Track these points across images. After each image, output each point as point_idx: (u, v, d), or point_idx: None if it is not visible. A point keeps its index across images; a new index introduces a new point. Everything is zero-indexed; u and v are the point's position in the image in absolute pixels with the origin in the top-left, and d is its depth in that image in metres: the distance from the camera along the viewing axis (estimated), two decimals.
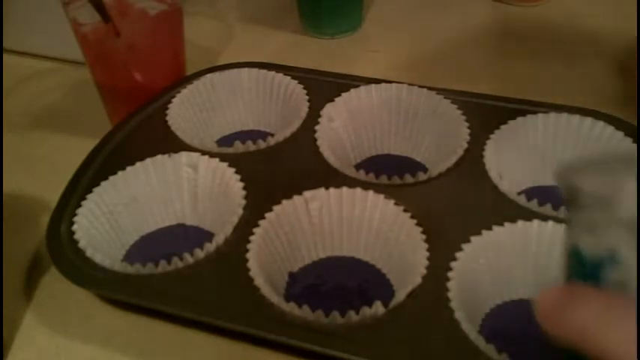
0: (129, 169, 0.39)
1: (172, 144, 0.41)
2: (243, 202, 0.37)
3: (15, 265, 0.39)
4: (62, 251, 0.35)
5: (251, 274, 0.33)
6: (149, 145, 0.40)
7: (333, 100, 0.43)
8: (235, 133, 0.47)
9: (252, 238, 0.34)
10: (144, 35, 0.44)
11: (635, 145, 0.37)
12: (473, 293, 0.33)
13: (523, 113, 0.40)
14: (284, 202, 0.36)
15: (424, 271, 0.32)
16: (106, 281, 0.34)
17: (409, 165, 0.43)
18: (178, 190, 0.40)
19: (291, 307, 0.31)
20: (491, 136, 0.39)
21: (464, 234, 0.33)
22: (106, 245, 0.37)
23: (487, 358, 0.29)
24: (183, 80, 0.46)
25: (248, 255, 0.34)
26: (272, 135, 0.42)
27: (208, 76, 0.46)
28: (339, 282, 0.36)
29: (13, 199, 0.42)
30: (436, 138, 0.42)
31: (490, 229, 0.33)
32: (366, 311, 0.31)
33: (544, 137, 0.40)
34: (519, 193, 0.36)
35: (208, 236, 0.37)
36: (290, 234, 0.36)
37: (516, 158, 0.40)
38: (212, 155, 0.39)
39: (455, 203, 0.36)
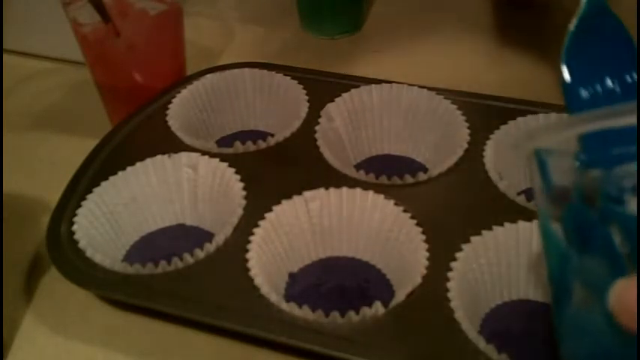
0: (129, 169, 0.39)
1: (172, 144, 0.41)
2: (243, 202, 0.37)
3: (15, 266, 0.39)
4: (62, 251, 0.35)
5: (251, 274, 0.33)
6: (149, 146, 0.40)
7: (333, 100, 0.43)
8: (235, 133, 0.47)
9: (252, 238, 0.34)
10: (144, 35, 0.44)
11: None
12: (473, 293, 0.33)
13: (523, 113, 0.40)
14: (284, 202, 0.36)
15: (424, 271, 0.32)
16: (106, 281, 0.34)
17: (409, 165, 0.43)
18: (178, 190, 0.40)
19: (291, 307, 0.31)
20: (491, 136, 0.39)
21: (464, 234, 0.33)
22: (106, 245, 0.37)
23: (487, 358, 0.28)
24: (184, 80, 0.46)
25: (248, 255, 0.34)
26: (272, 135, 0.42)
27: (208, 76, 0.46)
28: (339, 282, 0.36)
29: (13, 199, 0.42)
30: (436, 138, 0.42)
31: (490, 229, 0.33)
32: (366, 311, 0.31)
33: None
34: (519, 193, 0.36)
35: (208, 236, 0.37)
36: (290, 234, 0.36)
37: (516, 158, 0.40)
38: (212, 155, 0.39)
39: (455, 203, 0.36)
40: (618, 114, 0.19)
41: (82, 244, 0.35)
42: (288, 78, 0.45)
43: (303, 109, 0.43)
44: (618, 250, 0.20)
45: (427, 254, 0.33)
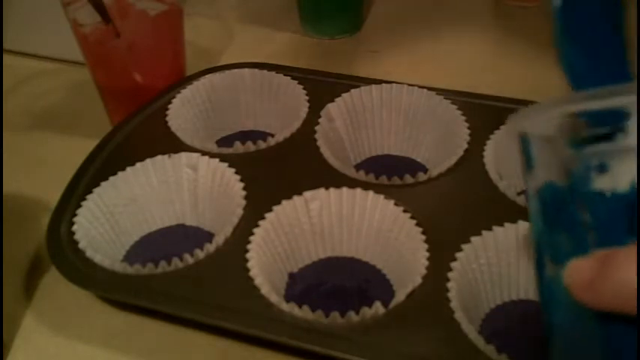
0: (129, 169, 0.39)
1: (172, 144, 0.41)
2: (243, 202, 0.37)
3: (15, 266, 0.38)
4: (62, 252, 0.35)
5: (251, 274, 0.33)
6: (149, 146, 0.40)
7: (333, 100, 0.43)
8: (235, 133, 0.47)
9: (252, 238, 0.34)
10: (144, 36, 0.44)
11: None
12: (473, 293, 0.33)
13: None
14: (284, 202, 0.36)
15: (424, 271, 0.32)
16: (106, 282, 0.34)
17: (409, 165, 0.43)
18: (178, 190, 0.40)
19: (291, 308, 0.31)
20: (491, 136, 0.39)
21: (464, 234, 0.33)
22: (106, 246, 0.37)
23: (487, 358, 0.29)
24: (184, 80, 0.46)
25: (248, 255, 0.34)
26: (272, 135, 0.42)
27: (208, 76, 0.46)
28: (339, 282, 0.36)
29: (13, 199, 0.42)
30: (436, 138, 0.42)
31: (490, 229, 0.33)
32: (366, 311, 0.31)
33: None
34: (519, 193, 0.36)
35: (208, 236, 0.37)
36: (290, 234, 0.36)
37: (516, 158, 0.39)
38: (212, 156, 0.39)
39: (455, 203, 0.36)
40: (607, 95, 0.19)
41: (82, 245, 0.35)
42: (288, 78, 0.45)
43: (303, 109, 0.43)
44: (582, 229, 0.21)
45: (427, 254, 0.33)
